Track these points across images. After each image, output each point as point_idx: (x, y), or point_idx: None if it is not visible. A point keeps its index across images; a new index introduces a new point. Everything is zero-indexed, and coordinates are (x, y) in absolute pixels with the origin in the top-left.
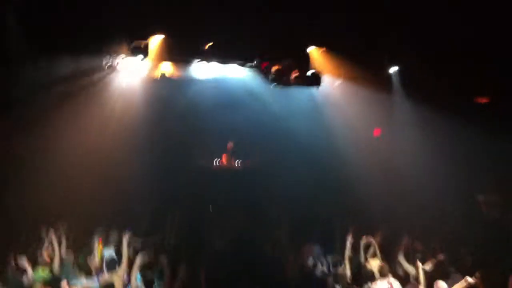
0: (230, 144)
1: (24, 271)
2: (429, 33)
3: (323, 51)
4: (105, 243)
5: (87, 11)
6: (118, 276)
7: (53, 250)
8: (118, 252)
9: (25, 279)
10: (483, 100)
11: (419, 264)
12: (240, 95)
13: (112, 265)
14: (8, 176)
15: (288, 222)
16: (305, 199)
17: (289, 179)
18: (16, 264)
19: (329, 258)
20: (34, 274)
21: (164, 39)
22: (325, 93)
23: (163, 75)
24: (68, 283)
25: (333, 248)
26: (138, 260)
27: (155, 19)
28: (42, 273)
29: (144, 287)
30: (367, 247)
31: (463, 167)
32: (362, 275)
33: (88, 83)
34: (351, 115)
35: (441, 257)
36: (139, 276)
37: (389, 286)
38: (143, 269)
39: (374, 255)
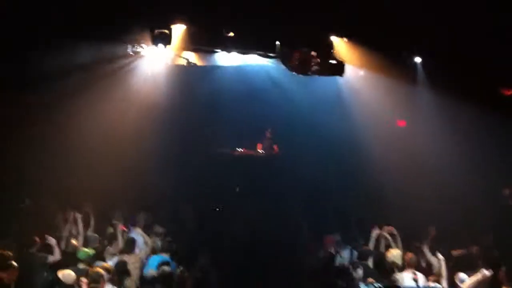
0: (268, 131)
1: (50, 249)
2: (454, 22)
3: (346, 41)
4: (127, 227)
5: None
6: (136, 259)
7: (77, 232)
8: (139, 236)
9: (50, 258)
10: (510, 91)
11: (441, 256)
12: (262, 84)
13: (132, 248)
14: (33, 160)
15: (310, 211)
16: (327, 188)
17: (311, 169)
18: (43, 243)
19: (351, 248)
20: (78, 253)
21: (186, 28)
22: (348, 83)
23: (185, 64)
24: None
25: (355, 238)
26: (158, 245)
27: (177, 7)
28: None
29: (161, 272)
30: (390, 237)
31: (489, 159)
32: (386, 266)
33: (111, 71)
34: (374, 105)
35: (464, 250)
36: (157, 259)
37: (414, 277)
38: (162, 254)
39: (397, 246)
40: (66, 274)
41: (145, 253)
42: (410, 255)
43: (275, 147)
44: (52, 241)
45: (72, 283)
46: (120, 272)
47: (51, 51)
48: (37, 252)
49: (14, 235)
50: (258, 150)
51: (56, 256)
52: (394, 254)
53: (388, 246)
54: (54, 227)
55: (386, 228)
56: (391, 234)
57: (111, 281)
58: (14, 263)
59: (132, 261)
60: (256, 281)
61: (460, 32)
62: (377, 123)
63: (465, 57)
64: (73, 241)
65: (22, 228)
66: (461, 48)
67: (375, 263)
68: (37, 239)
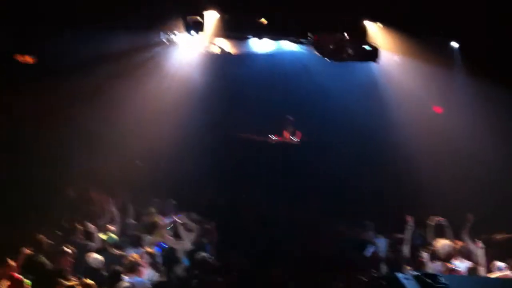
0: (290, 118)
1: (91, 235)
2: (492, 5)
3: (381, 26)
4: (161, 213)
5: None
6: (183, 245)
7: (114, 218)
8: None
9: (92, 244)
10: None
11: (480, 243)
12: (295, 71)
13: (178, 235)
14: (72, 149)
15: (342, 198)
16: (360, 175)
17: (344, 156)
18: (83, 230)
19: (386, 237)
20: (105, 238)
21: (219, 15)
22: (382, 69)
23: (218, 51)
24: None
25: (388, 226)
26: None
27: None
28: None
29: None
30: (433, 227)
31: None
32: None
33: (144, 59)
34: (409, 91)
35: (504, 237)
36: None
37: (453, 266)
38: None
39: (441, 235)
40: (95, 258)
41: (189, 240)
42: (461, 243)
43: (298, 133)
44: (92, 228)
45: (98, 268)
46: (169, 259)
47: (86, 39)
48: (78, 239)
49: (53, 223)
50: (286, 137)
51: (96, 243)
52: (440, 244)
53: (436, 236)
54: (94, 215)
55: (435, 218)
56: (440, 224)
57: (153, 266)
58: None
59: (179, 248)
60: (287, 268)
61: (499, 15)
62: (412, 109)
63: (504, 41)
64: (110, 227)
65: (63, 216)
66: (500, 33)
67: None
68: (78, 226)
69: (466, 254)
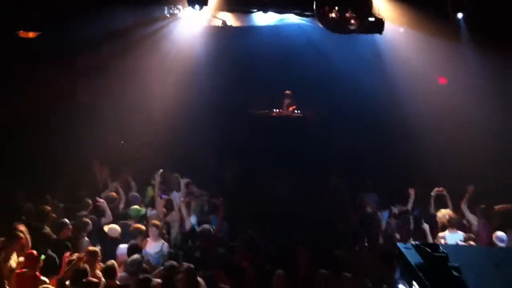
0: (287, 92)
1: (102, 212)
2: None
3: None
4: (165, 186)
5: None
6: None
7: (118, 192)
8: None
9: (103, 220)
10: None
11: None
12: (298, 43)
13: (170, 206)
14: (75, 122)
15: (347, 172)
16: (366, 149)
17: (350, 129)
18: (95, 206)
19: (389, 209)
20: (129, 210)
21: None
22: (387, 41)
23: (221, 25)
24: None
25: (395, 198)
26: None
27: None
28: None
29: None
30: (437, 197)
31: None
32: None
33: (148, 33)
34: (415, 64)
35: (504, 207)
36: (195, 218)
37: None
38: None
39: (444, 206)
40: (112, 228)
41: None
42: (451, 214)
43: (293, 106)
44: (103, 203)
45: (117, 237)
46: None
47: (89, 16)
48: (89, 214)
49: (61, 197)
50: (275, 109)
51: (108, 218)
52: (445, 214)
53: (438, 206)
54: (98, 189)
55: (436, 189)
56: (441, 195)
57: (162, 236)
58: (67, 221)
59: (172, 219)
60: (291, 240)
61: None
62: (417, 80)
63: (509, 13)
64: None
65: (70, 190)
66: (507, 3)
67: (416, 222)
68: (89, 201)
69: (462, 225)
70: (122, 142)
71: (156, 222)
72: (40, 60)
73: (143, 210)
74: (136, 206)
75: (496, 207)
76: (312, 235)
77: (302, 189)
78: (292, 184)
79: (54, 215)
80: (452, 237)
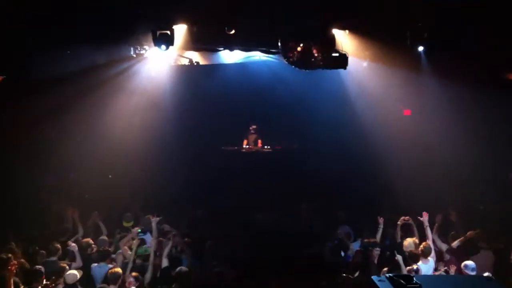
0: (252, 127)
1: (72, 256)
2: (455, 11)
3: (348, 33)
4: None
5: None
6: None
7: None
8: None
9: (73, 265)
10: None
11: (452, 241)
12: (265, 79)
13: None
14: (41, 160)
15: (317, 203)
16: (333, 180)
17: (317, 161)
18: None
19: (360, 240)
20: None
21: (188, 28)
22: (352, 74)
23: (188, 63)
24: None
25: (365, 229)
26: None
27: (178, 8)
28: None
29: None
30: (403, 226)
31: (495, 145)
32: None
33: (115, 72)
34: (379, 96)
35: (471, 234)
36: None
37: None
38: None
39: (411, 235)
40: (70, 274)
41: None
42: (424, 244)
43: (259, 141)
44: (74, 248)
45: (72, 283)
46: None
47: (54, 55)
48: (59, 260)
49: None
50: (244, 145)
51: (78, 263)
52: (409, 244)
53: (404, 236)
54: (66, 232)
55: (402, 218)
56: (407, 224)
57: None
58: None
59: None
60: (267, 271)
61: (462, 20)
62: (383, 113)
63: (468, 44)
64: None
65: (36, 233)
66: (464, 36)
67: (385, 253)
68: (58, 246)
69: (432, 254)
70: (109, 176)
71: (135, 274)
72: (5, 98)
73: (148, 249)
74: (144, 246)
75: (453, 243)
76: (284, 264)
77: (275, 221)
78: (265, 216)
79: (22, 260)
80: (425, 267)
